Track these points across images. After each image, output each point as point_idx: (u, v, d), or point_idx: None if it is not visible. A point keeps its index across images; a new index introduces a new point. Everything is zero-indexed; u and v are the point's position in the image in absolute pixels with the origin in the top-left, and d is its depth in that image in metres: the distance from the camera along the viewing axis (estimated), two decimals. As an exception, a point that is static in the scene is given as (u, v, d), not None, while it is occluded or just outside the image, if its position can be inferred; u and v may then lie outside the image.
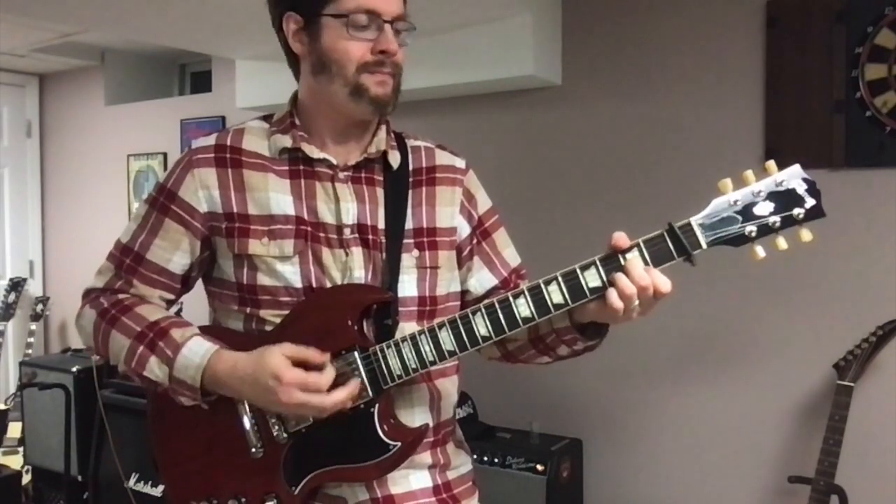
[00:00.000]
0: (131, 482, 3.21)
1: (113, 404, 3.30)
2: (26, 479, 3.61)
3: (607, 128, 2.88)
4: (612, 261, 1.15)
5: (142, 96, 4.46)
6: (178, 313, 3.39)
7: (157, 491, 3.11)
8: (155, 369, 1.25)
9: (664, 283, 1.13)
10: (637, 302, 1.13)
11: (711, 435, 2.70)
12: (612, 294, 1.13)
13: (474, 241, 1.40)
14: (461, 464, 1.42)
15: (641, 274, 1.12)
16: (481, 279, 1.41)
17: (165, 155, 4.24)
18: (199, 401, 1.24)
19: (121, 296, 1.34)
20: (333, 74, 1.26)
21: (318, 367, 1.19)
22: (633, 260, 1.14)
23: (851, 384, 2.24)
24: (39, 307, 4.31)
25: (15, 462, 3.63)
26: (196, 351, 1.23)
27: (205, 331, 1.31)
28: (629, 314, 1.14)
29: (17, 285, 4.26)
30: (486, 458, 2.76)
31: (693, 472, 2.74)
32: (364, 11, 1.22)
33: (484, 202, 1.43)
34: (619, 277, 1.13)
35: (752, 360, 2.61)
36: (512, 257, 1.45)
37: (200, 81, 4.48)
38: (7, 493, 3.14)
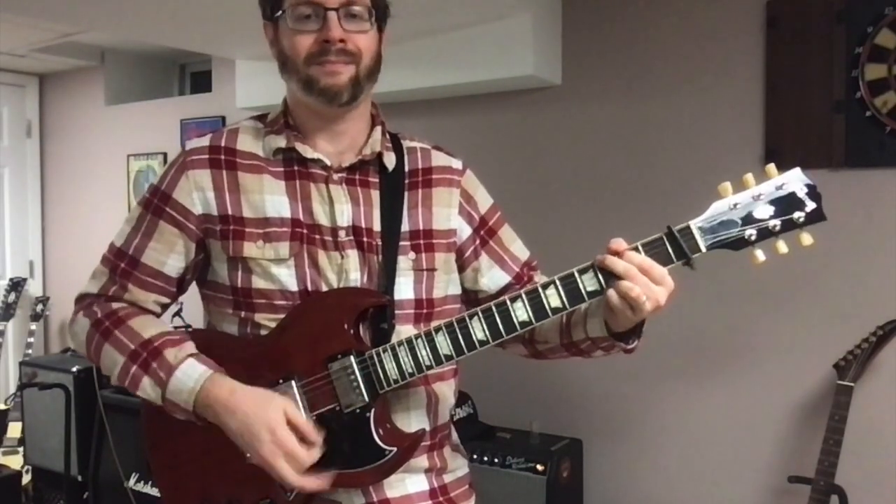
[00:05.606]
0: (131, 482, 3.21)
1: (113, 404, 3.30)
2: (26, 479, 3.61)
3: (607, 128, 2.87)
4: None
5: (142, 96, 4.46)
6: (178, 313, 3.39)
7: (157, 491, 3.11)
8: (148, 389, 1.23)
9: (652, 264, 1.14)
10: (639, 291, 1.12)
11: (711, 435, 2.70)
12: (622, 284, 1.13)
13: (478, 241, 1.39)
14: (458, 467, 1.41)
15: (634, 254, 1.14)
16: (493, 278, 1.40)
17: (165, 155, 4.23)
18: (195, 421, 1.23)
19: (115, 305, 1.31)
20: (290, 71, 1.27)
21: (309, 443, 1.17)
22: (629, 251, 1.15)
23: (851, 384, 2.23)
24: (39, 307, 4.31)
25: (15, 462, 3.63)
26: (189, 375, 1.21)
27: (200, 335, 1.31)
28: (640, 304, 1.13)
29: (17, 285, 4.26)
30: (486, 458, 2.75)
31: (693, 471, 2.74)
32: (305, 3, 1.22)
33: (484, 201, 1.42)
34: (614, 261, 1.14)
35: (752, 359, 2.60)
36: (520, 251, 1.44)
37: (200, 81, 4.47)
38: (7, 493, 3.15)
